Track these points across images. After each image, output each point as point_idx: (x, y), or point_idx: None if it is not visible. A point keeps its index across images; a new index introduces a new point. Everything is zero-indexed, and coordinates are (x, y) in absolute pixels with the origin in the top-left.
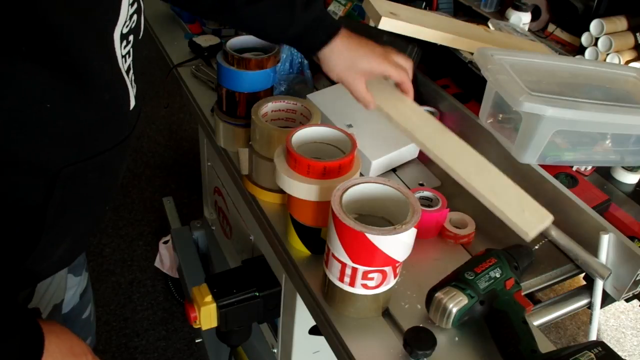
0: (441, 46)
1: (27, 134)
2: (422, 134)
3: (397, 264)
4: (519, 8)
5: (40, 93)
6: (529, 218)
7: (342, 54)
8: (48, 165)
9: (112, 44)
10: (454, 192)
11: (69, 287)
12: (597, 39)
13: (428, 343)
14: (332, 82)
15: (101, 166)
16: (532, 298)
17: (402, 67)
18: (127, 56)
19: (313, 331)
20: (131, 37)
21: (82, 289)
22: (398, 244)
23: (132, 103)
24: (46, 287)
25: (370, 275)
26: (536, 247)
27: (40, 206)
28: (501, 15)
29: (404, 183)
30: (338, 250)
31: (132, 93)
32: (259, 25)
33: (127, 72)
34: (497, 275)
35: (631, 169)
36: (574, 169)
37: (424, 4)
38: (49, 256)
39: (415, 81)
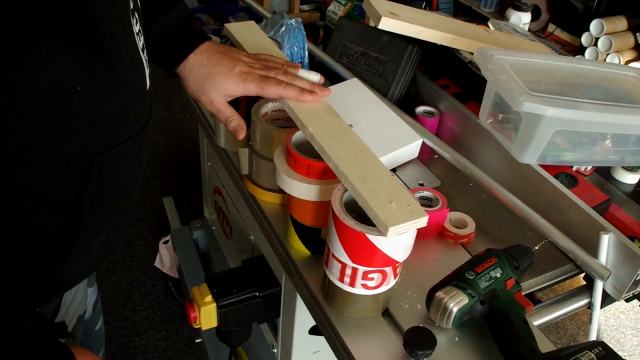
0: (441, 46)
1: (61, 121)
2: (304, 111)
3: (397, 264)
4: (519, 8)
5: (70, 74)
6: (395, 211)
7: (193, 70)
8: (82, 154)
9: (129, 19)
10: (454, 192)
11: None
12: (597, 39)
13: (428, 343)
14: (332, 82)
15: (129, 152)
16: (532, 298)
17: (273, 80)
18: (139, 34)
19: (313, 331)
20: (137, 15)
21: (95, 300)
22: (398, 245)
23: (148, 83)
24: (72, 298)
25: (370, 276)
26: (536, 247)
27: (77, 199)
28: (501, 15)
29: (404, 183)
30: (338, 250)
31: (147, 72)
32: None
33: (143, 50)
34: (498, 275)
35: (631, 169)
36: (574, 169)
37: (424, 4)
38: (88, 252)
39: (415, 81)
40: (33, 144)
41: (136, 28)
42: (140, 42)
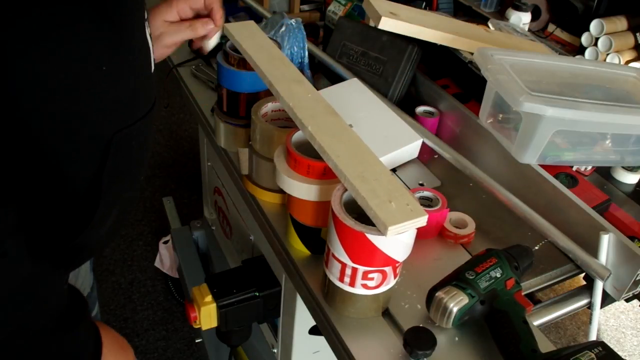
0: (441, 46)
1: (87, 99)
2: (304, 112)
3: (397, 264)
4: (519, 8)
5: (98, 54)
6: (394, 211)
7: None
8: (102, 133)
9: (142, 5)
10: (454, 192)
11: None
12: (597, 39)
13: (428, 343)
14: (332, 82)
15: (140, 133)
16: (532, 298)
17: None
18: (147, 20)
19: (313, 331)
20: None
21: (91, 284)
22: (398, 244)
23: (153, 67)
24: (75, 278)
25: (370, 276)
26: (536, 247)
27: (96, 175)
28: (501, 15)
29: (404, 183)
30: (338, 250)
31: (152, 57)
32: None
33: (150, 36)
34: (498, 275)
35: (631, 169)
36: (574, 169)
37: (424, 4)
38: (103, 225)
39: (415, 81)
40: (62, 120)
41: (145, 14)
42: (147, 28)
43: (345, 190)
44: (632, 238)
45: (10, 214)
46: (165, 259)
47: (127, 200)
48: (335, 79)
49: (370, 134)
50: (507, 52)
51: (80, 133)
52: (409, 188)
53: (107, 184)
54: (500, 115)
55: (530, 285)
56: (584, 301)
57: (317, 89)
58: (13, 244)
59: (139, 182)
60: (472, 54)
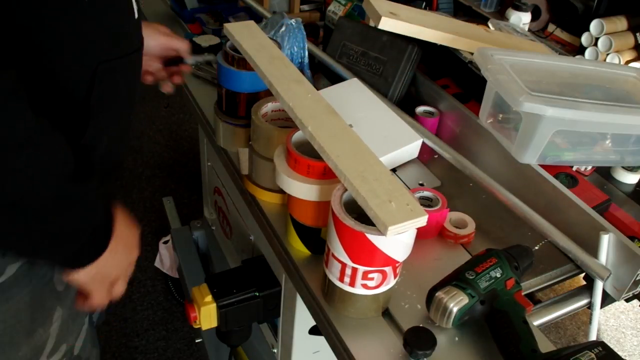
0: (441, 46)
1: (71, 25)
2: (304, 112)
3: (397, 264)
4: (519, 8)
5: None
6: (394, 211)
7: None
8: (88, 59)
9: None
10: (454, 192)
11: None
12: (597, 39)
13: (428, 343)
14: (332, 82)
15: (126, 68)
16: (532, 298)
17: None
18: None
19: (313, 331)
20: None
21: None
22: (398, 244)
23: (137, 14)
24: None
25: (370, 276)
26: (536, 247)
27: (85, 98)
28: (501, 15)
29: (404, 183)
30: (338, 250)
31: (135, 6)
32: None
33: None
34: (498, 275)
35: (631, 169)
36: (574, 169)
37: (424, 4)
38: (95, 148)
39: (415, 81)
40: (51, 40)
41: None
42: None
43: (345, 190)
44: (632, 238)
45: (13, 77)
46: (165, 259)
47: (117, 132)
48: (335, 79)
49: (370, 134)
50: (507, 52)
51: (68, 55)
52: (409, 188)
53: (96, 108)
54: (500, 115)
55: (530, 285)
56: (584, 301)
57: (317, 89)
58: (14, 99)
59: (127, 118)
60: (472, 54)
